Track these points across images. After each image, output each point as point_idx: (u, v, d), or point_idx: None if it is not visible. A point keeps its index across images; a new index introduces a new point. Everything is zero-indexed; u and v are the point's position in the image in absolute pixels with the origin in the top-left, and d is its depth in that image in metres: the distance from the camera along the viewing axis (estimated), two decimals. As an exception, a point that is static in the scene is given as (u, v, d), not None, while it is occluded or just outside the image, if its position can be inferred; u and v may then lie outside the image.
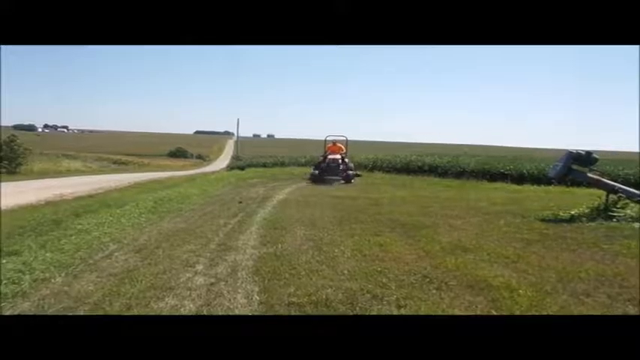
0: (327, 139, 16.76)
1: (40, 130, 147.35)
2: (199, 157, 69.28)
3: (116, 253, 4.85)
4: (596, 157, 6.86)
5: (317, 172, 14.85)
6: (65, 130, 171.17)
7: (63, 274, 4.03)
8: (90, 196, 12.49)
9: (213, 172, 28.19)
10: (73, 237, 5.69)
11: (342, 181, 14.13)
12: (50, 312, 3.12)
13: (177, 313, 3.09)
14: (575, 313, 3.06)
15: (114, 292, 3.52)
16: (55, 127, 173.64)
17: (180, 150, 71.61)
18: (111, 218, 7.19)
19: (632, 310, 3.13)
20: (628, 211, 6.13)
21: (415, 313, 2.96)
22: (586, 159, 6.84)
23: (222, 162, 56.73)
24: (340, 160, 14.90)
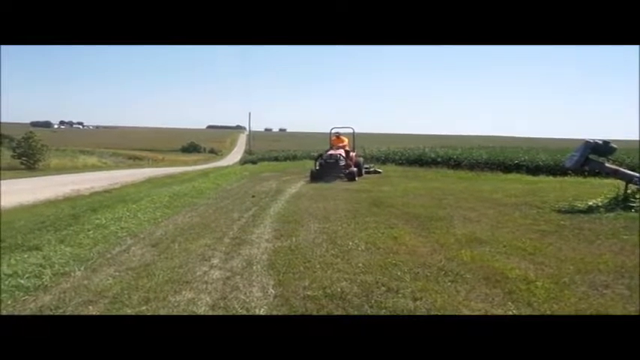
0: (332, 131, 14.78)
1: (56, 126, 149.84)
2: (212, 151, 69.90)
3: (133, 248, 4.92)
4: (615, 146, 6.72)
5: (316, 169, 12.94)
6: (80, 126, 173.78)
7: (82, 268, 4.11)
8: (106, 192, 12.71)
9: (226, 167, 28.36)
10: (91, 232, 5.80)
11: (345, 180, 11.97)
12: (71, 304, 3.19)
13: (193, 307, 3.13)
14: (595, 304, 3.02)
15: (132, 285, 3.58)
16: (70, 124, 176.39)
17: (193, 145, 72.33)
18: (127, 213, 7.30)
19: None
20: (648, 202, 6.00)
21: (426, 311, 2.95)
22: (604, 149, 6.70)
23: (234, 156, 57.16)
24: (341, 156, 12.75)
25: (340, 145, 13.72)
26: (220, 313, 3.03)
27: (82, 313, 3.05)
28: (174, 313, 3.02)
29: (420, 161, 17.92)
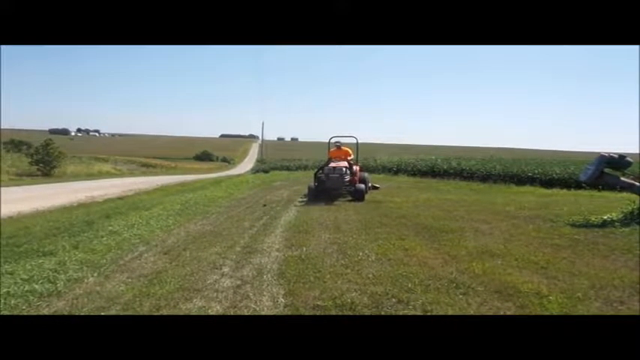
0: (332, 140, 12.34)
1: (73, 133, 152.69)
2: (224, 160, 70.45)
3: (145, 255, 4.98)
4: (630, 160, 6.61)
5: (315, 185, 10.70)
6: (97, 134, 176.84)
7: (95, 274, 4.17)
8: (120, 199, 12.88)
9: (237, 175, 28.55)
10: (104, 238, 5.88)
11: (350, 198, 10.09)
12: (84, 310, 3.23)
13: (204, 314, 3.15)
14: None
15: (144, 292, 3.62)
16: (87, 131, 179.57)
17: (205, 153, 73.02)
18: (140, 220, 7.39)
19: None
20: (664, 217, 5.88)
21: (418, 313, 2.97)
22: (619, 162, 6.61)
23: (246, 165, 57.49)
24: (344, 169, 10.37)
25: (343, 157, 11.34)
26: (230, 322, 3.05)
27: (95, 319, 3.09)
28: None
29: (432, 172, 17.85)
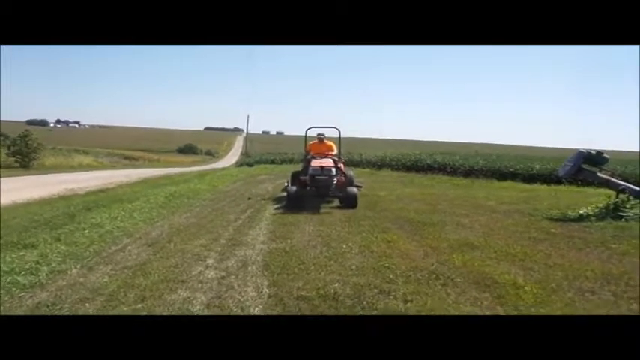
0: (310, 133, 9.98)
1: (52, 125, 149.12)
2: (208, 153, 69.91)
3: (129, 247, 4.97)
4: (607, 157, 6.84)
5: (294, 188, 8.25)
6: (77, 125, 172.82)
7: (78, 266, 4.15)
8: (101, 191, 12.70)
9: (222, 169, 28.38)
10: (87, 231, 5.83)
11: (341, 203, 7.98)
12: (68, 301, 3.23)
13: (189, 305, 3.18)
14: (580, 309, 3.10)
15: (128, 283, 3.63)
16: (66, 123, 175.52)
17: (189, 146, 72.28)
18: (123, 213, 7.32)
19: (636, 308, 3.17)
20: (637, 211, 6.10)
21: (416, 313, 2.97)
22: (596, 159, 6.83)
23: (231, 158, 57.12)
24: (334, 170, 8.26)
25: (327, 152, 9.11)
26: (215, 312, 3.08)
27: (79, 310, 3.09)
28: (170, 311, 3.07)
29: (416, 167, 18.04)
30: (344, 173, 8.79)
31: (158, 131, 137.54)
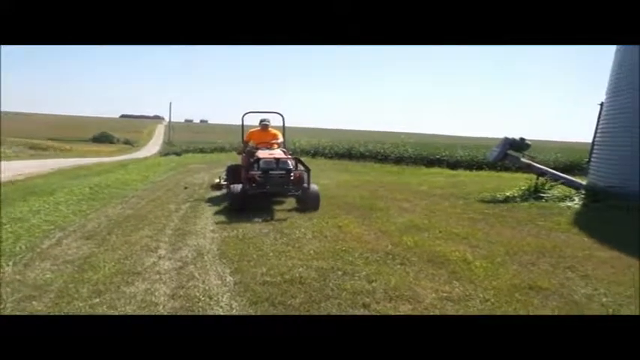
0: (246, 119, 8.32)
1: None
2: (127, 142, 65.51)
3: (65, 241, 4.56)
4: (529, 143, 7.56)
5: (238, 186, 6.39)
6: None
7: (11, 263, 3.73)
8: (10, 183, 11.44)
9: (145, 158, 26.85)
10: (8, 225, 5.24)
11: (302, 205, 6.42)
12: (10, 300, 2.91)
13: (152, 296, 3.02)
14: (526, 280, 3.42)
15: (76, 278, 3.36)
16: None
17: (105, 135, 67.16)
18: (46, 205, 6.68)
19: (571, 274, 3.57)
20: (554, 192, 6.83)
21: (414, 313, 2.91)
22: (520, 145, 7.51)
23: (152, 147, 54.08)
24: (290, 163, 6.77)
25: (273, 141, 7.59)
26: (182, 302, 2.96)
27: (27, 308, 2.80)
28: (133, 304, 2.89)
29: (349, 155, 18.48)
30: (305, 165, 6.72)
31: (68, 118, 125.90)
